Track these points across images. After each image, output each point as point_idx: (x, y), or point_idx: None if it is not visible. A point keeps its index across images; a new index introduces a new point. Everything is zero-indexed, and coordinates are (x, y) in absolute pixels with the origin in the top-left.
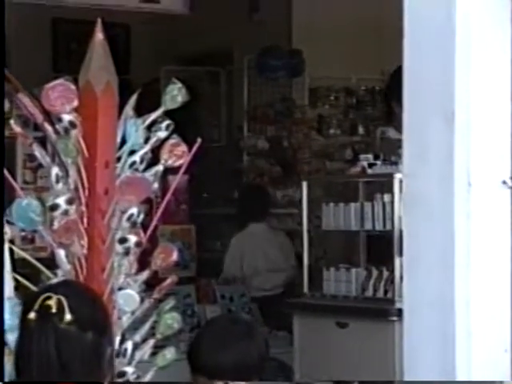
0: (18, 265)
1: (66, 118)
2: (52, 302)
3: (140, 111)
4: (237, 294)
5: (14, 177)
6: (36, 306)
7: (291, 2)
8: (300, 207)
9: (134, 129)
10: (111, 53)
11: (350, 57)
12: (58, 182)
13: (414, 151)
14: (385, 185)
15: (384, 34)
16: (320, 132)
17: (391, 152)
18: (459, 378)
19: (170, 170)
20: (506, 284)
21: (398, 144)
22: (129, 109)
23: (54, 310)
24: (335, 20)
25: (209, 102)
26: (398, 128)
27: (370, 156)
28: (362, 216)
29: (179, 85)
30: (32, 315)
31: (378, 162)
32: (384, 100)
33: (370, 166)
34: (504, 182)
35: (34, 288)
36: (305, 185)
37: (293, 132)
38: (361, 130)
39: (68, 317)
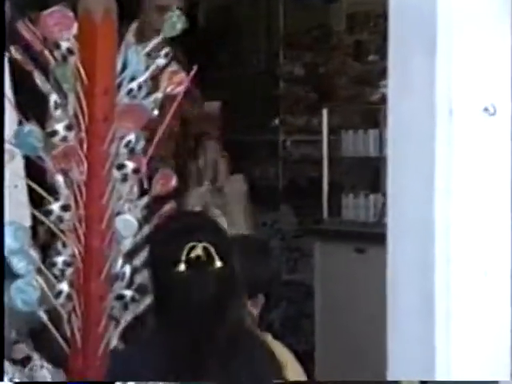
0: None
1: (64, 44)
2: (200, 251)
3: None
4: None
5: None
6: (183, 257)
7: None
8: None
9: (134, 56)
10: None
11: None
12: (56, 108)
13: (398, 82)
14: None
15: None
16: (358, 58)
17: None
18: (437, 303)
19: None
20: (486, 210)
21: None
22: (129, 36)
23: (204, 259)
24: None
25: (248, 28)
26: None
27: None
28: (381, 142)
29: (178, 12)
30: (182, 266)
31: None
32: None
33: None
34: (485, 109)
35: (37, 214)
36: (325, 112)
37: (329, 58)
38: None
39: (219, 263)
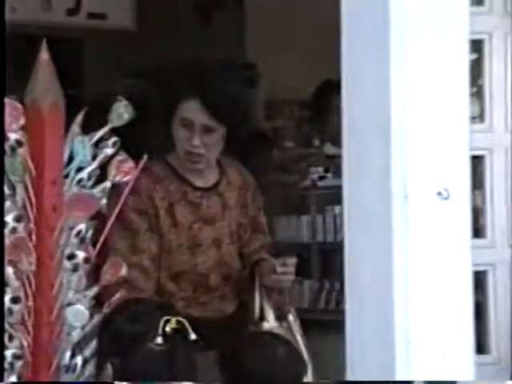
0: None
1: (13, 136)
2: (173, 325)
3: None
4: None
5: None
6: (159, 331)
7: (244, 16)
8: None
9: (81, 146)
10: (63, 69)
11: (304, 67)
12: (5, 200)
13: (353, 166)
14: (335, 197)
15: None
16: (276, 145)
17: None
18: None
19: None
20: (444, 292)
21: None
22: (75, 126)
23: (177, 330)
24: (287, 32)
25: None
26: (335, 142)
27: (321, 169)
28: (314, 228)
29: (125, 102)
30: (159, 340)
31: (329, 175)
32: (317, 114)
33: (321, 178)
34: (439, 193)
35: None
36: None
37: None
38: (316, 142)
39: (193, 336)
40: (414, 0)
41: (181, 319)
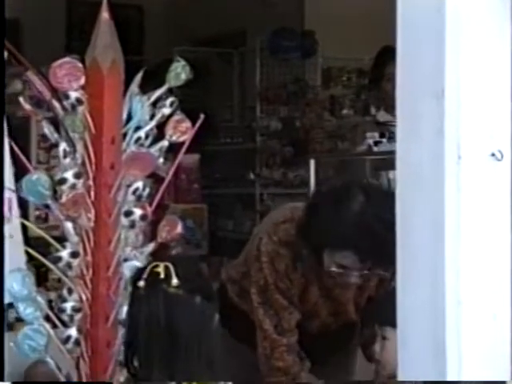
0: (32, 243)
1: (73, 94)
2: (160, 269)
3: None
4: None
5: (28, 157)
6: (144, 275)
7: None
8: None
9: (139, 106)
10: (124, 34)
11: (363, 38)
12: (65, 157)
13: (407, 128)
14: (390, 162)
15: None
16: (332, 113)
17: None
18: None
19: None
20: (496, 256)
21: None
22: (134, 86)
23: (162, 276)
24: (347, 1)
25: (222, 83)
26: (388, 109)
27: (376, 134)
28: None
29: (183, 62)
30: (141, 283)
31: (384, 140)
32: (373, 81)
33: (376, 143)
34: (493, 155)
35: (45, 261)
36: (312, 163)
37: (305, 113)
38: (373, 110)
39: (175, 281)
40: None
41: (169, 265)
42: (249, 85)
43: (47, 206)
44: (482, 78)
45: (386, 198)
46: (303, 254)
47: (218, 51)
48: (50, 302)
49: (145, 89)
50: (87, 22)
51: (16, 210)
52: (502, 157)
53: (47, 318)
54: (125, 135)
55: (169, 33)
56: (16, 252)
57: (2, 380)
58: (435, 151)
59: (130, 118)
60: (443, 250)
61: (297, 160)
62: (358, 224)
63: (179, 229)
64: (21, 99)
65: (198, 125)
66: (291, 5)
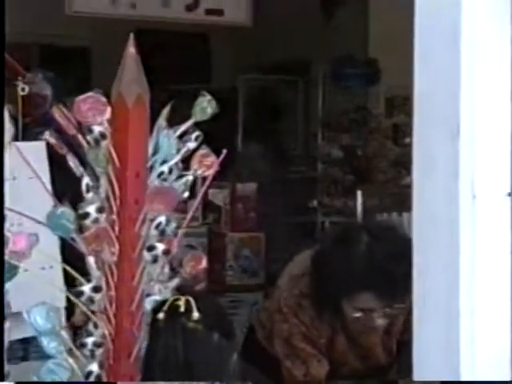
0: None
1: (97, 129)
2: (181, 303)
3: (218, 117)
4: None
5: None
6: (165, 307)
7: (368, 10)
8: (355, 215)
9: (165, 139)
10: (190, 62)
11: None
12: (88, 191)
13: (422, 165)
14: None
15: None
16: (395, 141)
17: None
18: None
19: (243, 178)
20: (508, 294)
21: None
22: (161, 120)
23: (182, 310)
24: (412, 28)
25: (286, 109)
26: None
27: None
28: None
29: (209, 97)
30: (161, 315)
31: None
32: None
33: None
34: (509, 194)
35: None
36: (359, 194)
37: (368, 141)
38: None
39: (196, 315)
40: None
41: (190, 299)
42: (312, 113)
43: (72, 240)
44: (497, 115)
45: (395, 233)
46: (325, 305)
47: (283, 79)
48: (75, 336)
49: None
50: (156, 50)
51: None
52: None
53: (71, 353)
54: (150, 170)
55: (235, 60)
56: (54, 287)
57: (2, 380)
58: (450, 190)
59: (155, 152)
60: (458, 291)
61: (358, 188)
62: (367, 264)
63: (204, 264)
64: (47, 133)
65: (221, 158)
66: (356, 33)
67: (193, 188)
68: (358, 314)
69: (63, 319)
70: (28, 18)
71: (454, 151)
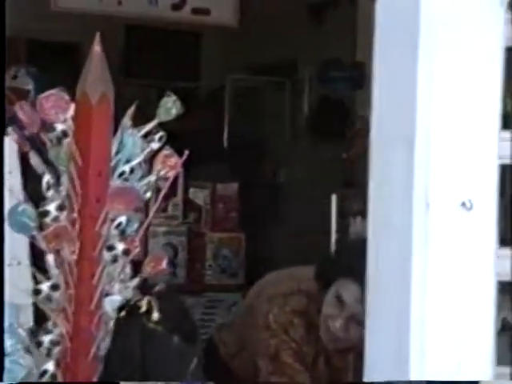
0: None
1: (59, 127)
2: (143, 303)
3: (205, 116)
4: None
5: None
6: (127, 307)
7: (356, 14)
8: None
9: (130, 139)
10: (180, 61)
11: None
12: (48, 189)
13: (378, 174)
14: None
15: None
16: None
17: None
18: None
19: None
20: (462, 306)
21: None
22: (126, 119)
23: (143, 310)
24: None
25: (274, 112)
26: None
27: None
28: None
29: (173, 97)
30: (122, 314)
31: None
32: None
33: None
34: (463, 204)
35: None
36: (334, 198)
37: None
38: None
39: (156, 316)
40: (446, 5)
41: (152, 300)
42: (298, 114)
43: (33, 237)
44: (453, 125)
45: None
46: (318, 322)
47: (270, 80)
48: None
49: (200, 114)
50: (145, 46)
51: None
52: (472, 207)
53: (28, 351)
54: (113, 169)
55: (223, 60)
56: (20, 283)
57: (2, 380)
58: (405, 198)
59: (119, 151)
60: (409, 297)
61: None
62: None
63: (164, 265)
64: (9, 128)
65: (183, 159)
66: (343, 36)
67: (174, 186)
68: None
69: (24, 317)
70: (14, 12)
71: (409, 160)
